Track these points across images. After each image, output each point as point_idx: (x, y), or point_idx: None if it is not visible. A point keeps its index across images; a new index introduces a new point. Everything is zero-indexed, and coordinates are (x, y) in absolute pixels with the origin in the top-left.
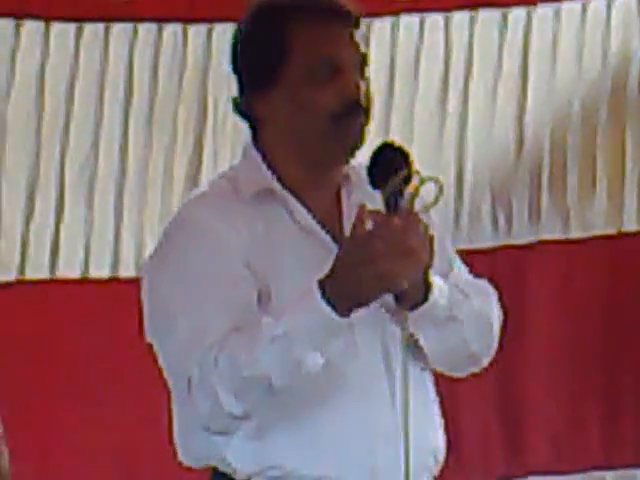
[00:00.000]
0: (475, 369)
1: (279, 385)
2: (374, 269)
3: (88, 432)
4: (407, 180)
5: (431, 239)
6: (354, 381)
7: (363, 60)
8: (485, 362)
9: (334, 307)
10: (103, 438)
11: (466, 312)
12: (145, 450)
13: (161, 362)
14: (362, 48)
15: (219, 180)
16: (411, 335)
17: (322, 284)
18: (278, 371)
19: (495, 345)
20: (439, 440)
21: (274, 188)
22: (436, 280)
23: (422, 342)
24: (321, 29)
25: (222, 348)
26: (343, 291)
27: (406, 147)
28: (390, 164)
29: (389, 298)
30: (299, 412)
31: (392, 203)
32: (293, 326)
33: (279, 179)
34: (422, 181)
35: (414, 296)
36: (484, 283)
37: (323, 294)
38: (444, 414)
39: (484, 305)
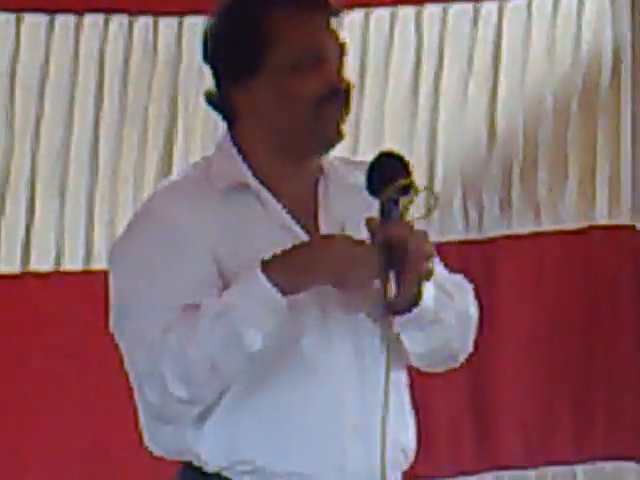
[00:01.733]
0: (452, 366)
1: (222, 366)
2: (328, 259)
3: (58, 426)
4: (405, 190)
5: (430, 246)
6: (325, 375)
7: (342, 49)
8: (462, 359)
9: (272, 281)
10: (76, 432)
11: (450, 313)
12: (120, 442)
13: (123, 355)
14: (341, 37)
15: (192, 170)
16: (397, 336)
17: (265, 261)
18: (220, 350)
19: (472, 341)
20: (410, 437)
21: (248, 181)
22: (427, 286)
23: (407, 344)
24: (303, 18)
25: (168, 332)
26: (285, 268)
27: (405, 157)
28: (388, 172)
29: (376, 303)
30: (269, 407)
31: (387, 210)
32: (232, 301)
33: (254, 173)
34: (417, 191)
35: (405, 302)
36: (461, 279)
37: (264, 269)
38: (415, 408)
39: (464, 303)
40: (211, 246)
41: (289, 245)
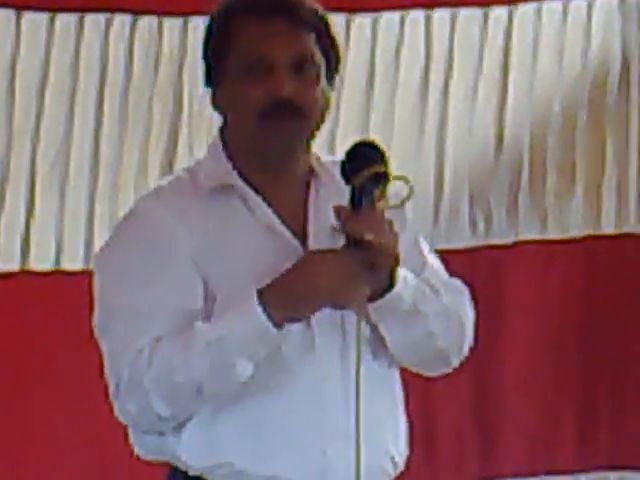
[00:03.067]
0: (445, 368)
1: (209, 392)
2: (325, 285)
3: (60, 427)
4: (380, 179)
5: (395, 236)
6: (308, 379)
7: (305, 60)
8: (455, 361)
9: (269, 316)
10: (79, 434)
11: (433, 307)
12: (120, 443)
13: (104, 359)
14: (308, 47)
15: (180, 174)
16: (374, 328)
17: (261, 291)
18: (209, 377)
19: (467, 345)
20: (399, 443)
21: (233, 183)
22: (402, 273)
23: (384, 334)
24: (259, 26)
25: (156, 350)
26: (285, 300)
27: (382, 145)
28: (363, 159)
29: None
30: (250, 410)
31: (357, 199)
32: (227, 332)
33: (240, 174)
34: (390, 179)
35: (378, 287)
36: (458, 282)
37: (260, 301)
38: (419, 414)
39: (455, 303)
40: (194, 252)
41: (276, 250)
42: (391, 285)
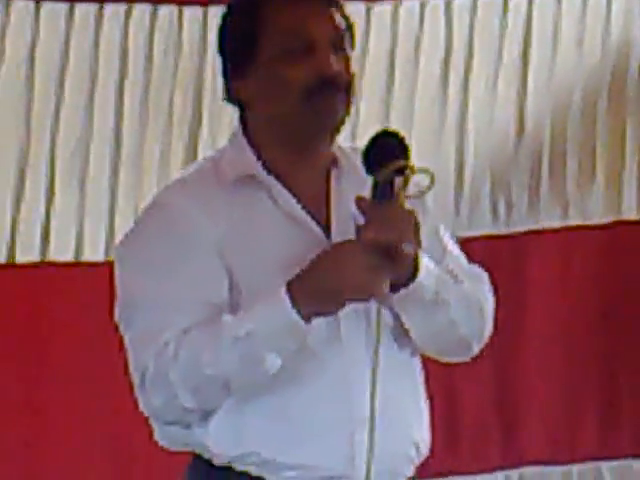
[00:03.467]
0: (466, 355)
1: (237, 384)
2: (348, 281)
3: (80, 421)
4: (402, 170)
5: (417, 226)
6: (334, 366)
7: (342, 38)
8: (476, 349)
9: (299, 311)
10: (99, 427)
11: (455, 295)
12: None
13: (127, 348)
14: (342, 25)
15: (203, 164)
16: (397, 316)
17: (289, 286)
18: (238, 371)
19: (487, 332)
20: (423, 430)
21: (257, 173)
22: (424, 262)
23: (406, 323)
24: (294, 7)
25: (182, 343)
26: (313, 295)
27: (405, 137)
28: (387, 151)
29: None
30: (277, 399)
31: (380, 191)
32: (256, 327)
33: (264, 164)
34: (413, 171)
35: (401, 277)
36: (478, 269)
37: (290, 296)
38: (441, 403)
39: (475, 290)
40: (219, 243)
41: (300, 239)
42: (414, 275)
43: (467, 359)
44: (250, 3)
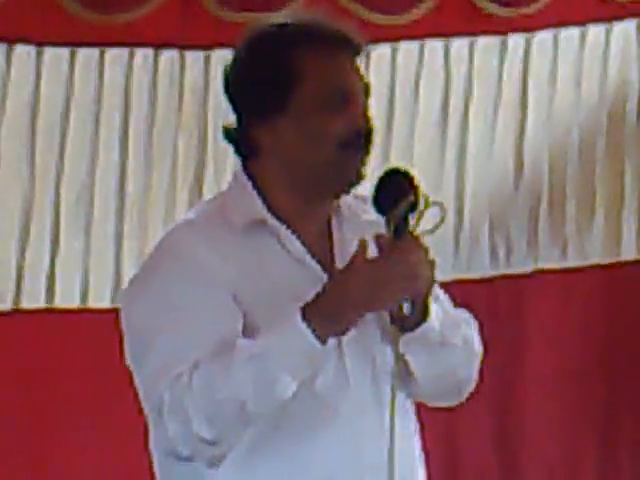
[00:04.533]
0: (455, 401)
1: (252, 410)
2: (370, 293)
3: (86, 466)
4: (413, 205)
5: (432, 263)
6: (343, 412)
7: (366, 89)
8: (466, 394)
9: (313, 331)
10: (105, 476)
11: (457, 338)
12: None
13: (138, 388)
14: (364, 77)
15: (206, 207)
16: (402, 357)
17: (304, 308)
18: (251, 393)
19: (476, 376)
20: (421, 472)
21: (266, 219)
22: (433, 306)
23: (412, 366)
24: (330, 57)
25: (195, 372)
26: (326, 314)
27: (411, 172)
28: (397, 189)
29: (385, 318)
30: (287, 443)
31: (397, 228)
32: (270, 347)
33: (270, 209)
34: (427, 205)
35: (412, 318)
36: (467, 314)
37: (304, 317)
38: (440, 446)
39: (471, 334)
40: (231, 283)
41: (307, 282)
42: (425, 316)
43: (453, 404)
44: (284, 47)
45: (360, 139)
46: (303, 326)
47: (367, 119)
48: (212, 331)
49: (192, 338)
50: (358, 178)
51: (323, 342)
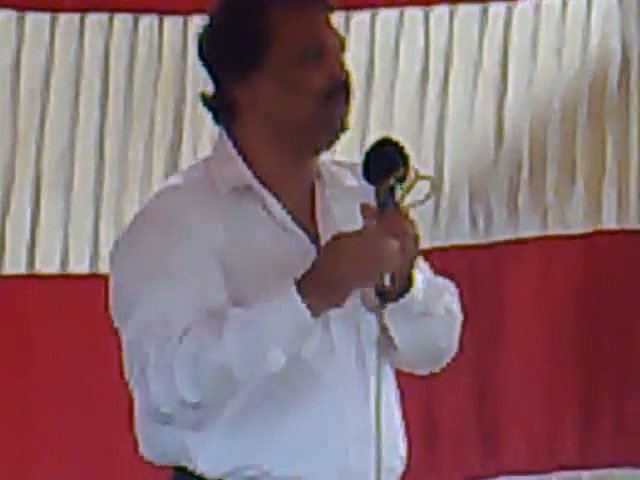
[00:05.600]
0: (434, 369)
1: (239, 378)
2: (361, 266)
3: (68, 435)
4: (403, 178)
5: (417, 236)
6: (328, 380)
7: (342, 44)
8: (445, 362)
9: (309, 306)
10: (86, 440)
11: (439, 308)
12: (123, 447)
13: (123, 348)
14: (338, 33)
15: (193, 172)
16: (384, 328)
17: (299, 280)
18: (240, 360)
19: (456, 344)
20: (402, 441)
21: (251, 184)
22: (416, 275)
23: (394, 334)
24: (302, 12)
25: (187, 333)
26: (319, 290)
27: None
28: (388, 160)
29: (370, 290)
30: (272, 411)
31: (383, 199)
32: (263, 317)
33: (254, 173)
34: (416, 178)
35: (395, 289)
36: (448, 281)
37: (299, 290)
38: (419, 414)
39: (453, 303)
40: (219, 248)
41: (291, 248)
42: (408, 287)
43: (433, 372)
44: (257, 6)
45: (339, 89)
46: (298, 299)
47: (345, 71)
48: (198, 297)
49: (178, 301)
50: (342, 127)
51: (316, 316)
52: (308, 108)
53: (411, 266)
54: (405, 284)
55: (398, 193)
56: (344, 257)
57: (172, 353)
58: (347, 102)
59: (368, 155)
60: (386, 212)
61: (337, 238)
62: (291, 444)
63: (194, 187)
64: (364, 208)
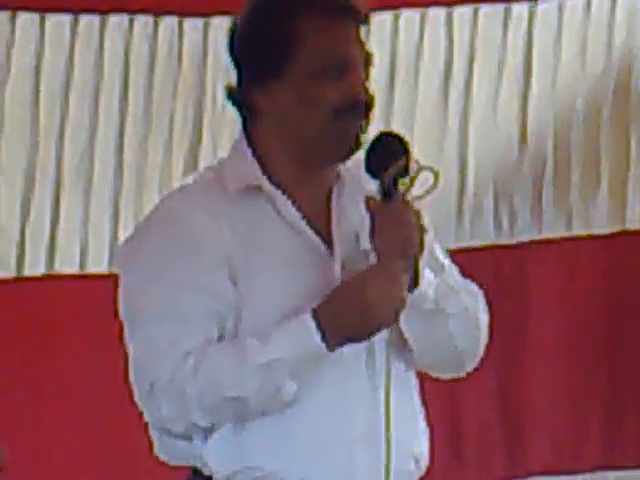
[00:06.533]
0: (457, 373)
1: (252, 410)
2: (382, 315)
3: (83, 433)
4: (404, 169)
5: (422, 228)
6: (334, 381)
7: (367, 60)
8: (469, 366)
9: (328, 344)
10: (101, 440)
11: (453, 307)
12: (131, 448)
13: (130, 360)
14: (367, 47)
15: (205, 173)
16: (397, 328)
17: (317, 314)
18: (257, 396)
19: (481, 350)
20: (422, 445)
21: (262, 184)
22: (425, 272)
23: (406, 334)
24: (331, 25)
25: (202, 361)
26: (341, 330)
27: (405, 136)
28: (389, 152)
29: None
30: (279, 415)
31: (388, 191)
32: (282, 355)
33: (269, 175)
34: (419, 170)
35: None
36: (473, 285)
37: (318, 326)
38: (445, 414)
39: (472, 303)
40: (226, 250)
41: (303, 249)
42: (415, 284)
43: (459, 375)
44: (285, 14)
45: (357, 108)
46: (317, 337)
47: (365, 90)
48: (208, 305)
49: (186, 313)
50: (352, 148)
51: (332, 348)
52: (320, 122)
53: (416, 260)
54: (412, 279)
55: (402, 188)
56: (374, 306)
57: (187, 382)
58: (365, 119)
59: (368, 149)
60: (391, 203)
61: (362, 278)
62: (295, 447)
63: (203, 187)
64: (368, 201)
